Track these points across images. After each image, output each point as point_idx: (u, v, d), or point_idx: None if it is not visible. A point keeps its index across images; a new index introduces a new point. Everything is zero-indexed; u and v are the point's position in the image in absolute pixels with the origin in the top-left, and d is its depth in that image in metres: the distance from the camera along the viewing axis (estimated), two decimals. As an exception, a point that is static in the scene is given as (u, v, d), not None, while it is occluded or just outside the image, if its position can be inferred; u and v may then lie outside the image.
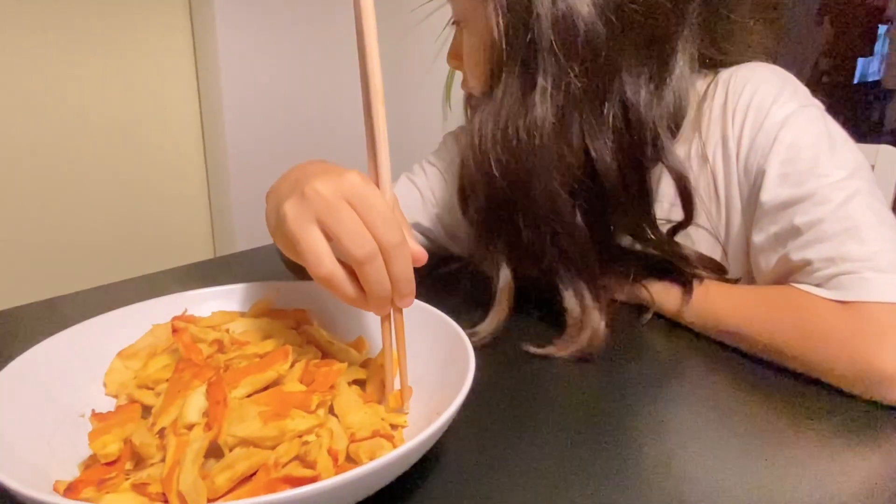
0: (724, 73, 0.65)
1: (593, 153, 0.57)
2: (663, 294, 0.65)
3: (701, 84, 0.67)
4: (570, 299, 0.60)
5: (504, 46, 0.56)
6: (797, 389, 0.52)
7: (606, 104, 0.57)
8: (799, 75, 0.65)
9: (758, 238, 0.60)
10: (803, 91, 0.62)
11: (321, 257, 0.38)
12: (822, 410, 0.49)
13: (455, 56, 0.67)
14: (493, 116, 0.58)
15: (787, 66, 0.66)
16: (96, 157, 1.80)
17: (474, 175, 0.60)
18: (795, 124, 0.58)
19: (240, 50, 1.92)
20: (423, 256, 0.41)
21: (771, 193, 0.58)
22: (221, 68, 1.89)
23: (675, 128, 0.62)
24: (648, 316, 0.65)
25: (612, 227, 0.63)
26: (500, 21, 0.56)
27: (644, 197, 0.61)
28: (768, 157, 0.58)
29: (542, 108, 0.55)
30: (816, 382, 0.52)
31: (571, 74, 0.54)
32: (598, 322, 0.58)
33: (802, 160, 0.57)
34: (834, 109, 0.64)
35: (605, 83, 0.56)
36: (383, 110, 0.40)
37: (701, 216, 0.66)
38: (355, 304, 0.41)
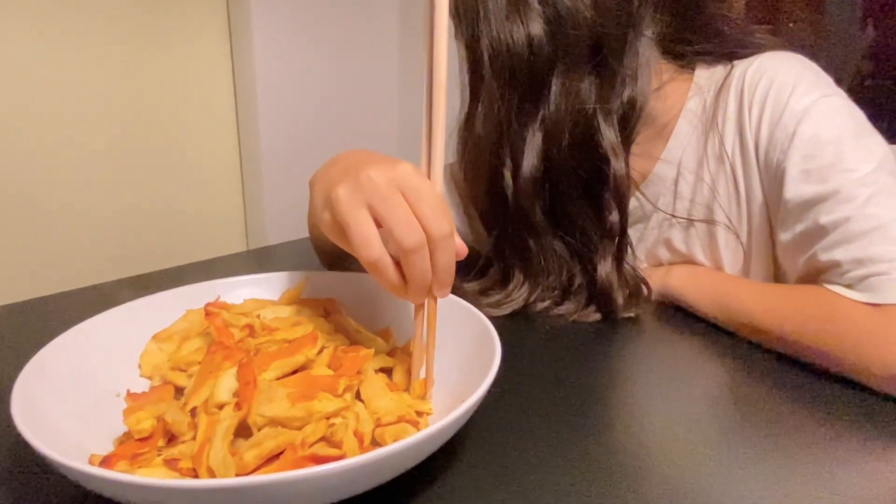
0: (741, 64, 0.63)
1: (523, 165, 0.61)
2: (688, 284, 0.65)
3: (705, 76, 0.66)
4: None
5: (466, 73, 0.62)
6: (829, 391, 0.51)
7: (540, 113, 0.60)
8: (841, 77, 0.63)
9: (784, 237, 0.59)
10: (825, 79, 0.60)
11: (370, 241, 0.39)
12: (860, 414, 0.47)
13: None
14: (459, 135, 0.65)
15: (827, 68, 0.64)
16: (132, 151, 1.85)
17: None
18: (816, 116, 0.56)
19: (275, 47, 1.95)
20: (463, 250, 0.41)
21: (794, 191, 0.56)
22: (257, 65, 1.93)
23: (630, 117, 0.61)
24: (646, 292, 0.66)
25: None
26: (461, 50, 0.62)
27: (596, 201, 0.63)
28: (788, 152, 0.57)
29: (482, 129, 0.62)
30: (850, 384, 0.51)
31: (503, 99, 0.60)
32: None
33: (824, 155, 0.55)
34: (878, 113, 0.62)
35: (537, 100, 0.60)
36: (444, 103, 0.41)
37: (720, 214, 0.65)
38: (395, 292, 0.41)
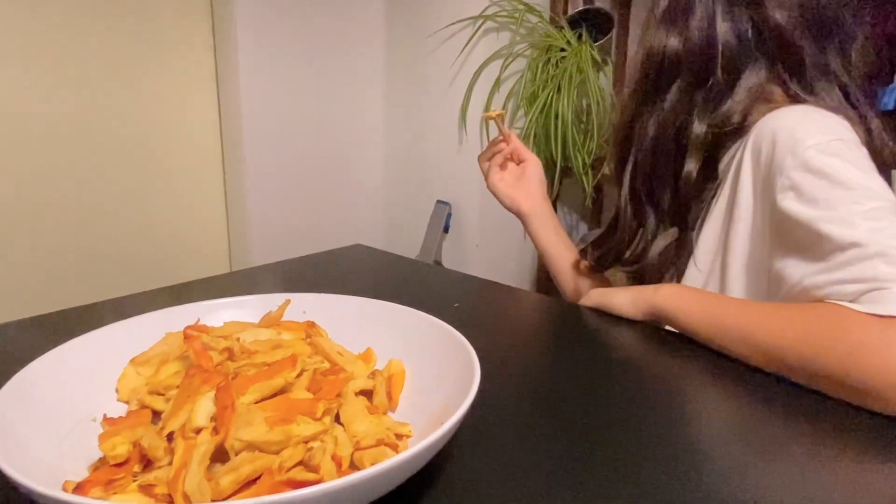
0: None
1: (641, 144, 0.76)
2: (679, 303, 0.66)
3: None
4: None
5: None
6: (829, 404, 0.51)
7: (656, 108, 0.74)
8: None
9: (781, 254, 0.61)
10: (845, 129, 0.63)
11: None
12: (863, 427, 0.48)
13: None
14: None
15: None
16: (117, 172, 1.84)
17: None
18: (828, 151, 0.59)
19: (260, 71, 1.97)
20: None
21: (799, 213, 0.59)
22: (242, 88, 1.93)
23: (720, 129, 0.71)
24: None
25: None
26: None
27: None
28: (798, 180, 0.59)
29: (621, 107, 0.81)
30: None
31: (636, 91, 0.77)
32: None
33: (834, 186, 0.57)
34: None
35: (658, 99, 0.74)
36: None
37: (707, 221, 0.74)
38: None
